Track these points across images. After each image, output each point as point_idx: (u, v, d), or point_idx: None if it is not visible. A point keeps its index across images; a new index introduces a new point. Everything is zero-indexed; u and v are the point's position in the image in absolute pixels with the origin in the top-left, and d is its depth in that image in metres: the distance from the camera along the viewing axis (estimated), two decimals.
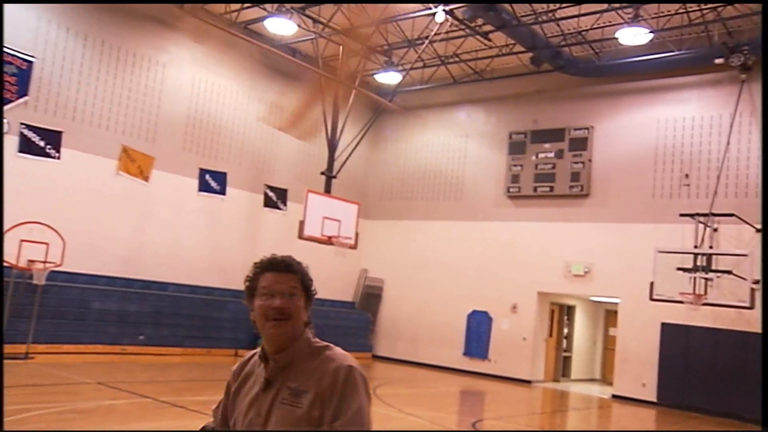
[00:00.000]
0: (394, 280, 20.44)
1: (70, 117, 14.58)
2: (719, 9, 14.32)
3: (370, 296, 20.71)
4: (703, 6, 14.40)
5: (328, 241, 15.02)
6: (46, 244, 12.55)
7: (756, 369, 12.48)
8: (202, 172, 16.97)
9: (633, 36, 15.21)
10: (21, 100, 13.72)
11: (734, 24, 14.98)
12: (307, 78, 17.60)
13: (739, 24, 14.93)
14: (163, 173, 16.02)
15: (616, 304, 16.86)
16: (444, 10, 14.92)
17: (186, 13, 15.35)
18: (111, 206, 15.11)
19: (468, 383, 16.86)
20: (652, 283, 14.09)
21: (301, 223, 14.58)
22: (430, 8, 15.19)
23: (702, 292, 13.88)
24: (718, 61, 14.84)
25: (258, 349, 2.36)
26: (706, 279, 13.90)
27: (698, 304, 13.65)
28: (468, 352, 18.57)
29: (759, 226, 13.91)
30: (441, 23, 15.34)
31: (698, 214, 14.83)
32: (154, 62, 16.15)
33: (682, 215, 15.03)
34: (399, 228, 20.63)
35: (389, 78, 18.90)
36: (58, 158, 14.26)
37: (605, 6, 14.74)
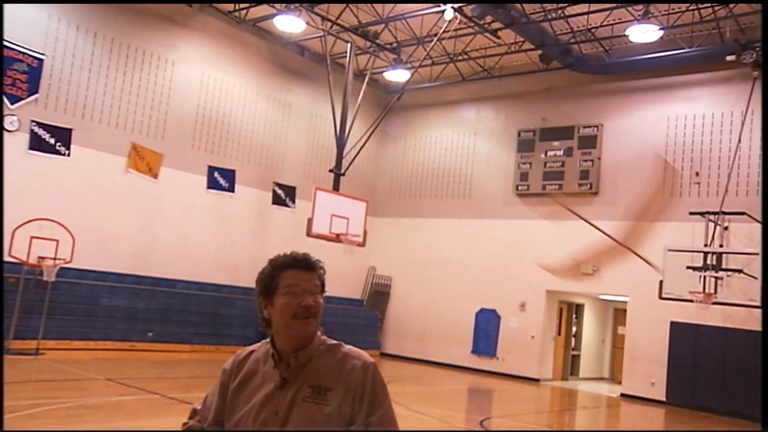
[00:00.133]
0: (403, 278, 20.43)
1: (80, 114, 14.65)
2: (731, 5, 14.21)
3: (379, 294, 20.71)
4: (714, 3, 14.29)
5: (337, 238, 15.01)
6: (56, 240, 12.62)
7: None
8: (211, 169, 17.01)
9: (643, 33, 15.11)
10: (31, 98, 13.79)
11: (746, 20, 14.85)
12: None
13: (751, 20, 14.79)
14: (172, 170, 16.07)
15: (625, 302, 16.78)
16: (453, 8, 14.89)
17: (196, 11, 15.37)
18: (120, 203, 15.17)
19: (476, 381, 16.84)
20: (661, 282, 14.01)
21: (310, 221, 14.58)
22: (439, 6, 15.16)
23: (712, 291, 13.79)
24: (729, 58, 14.70)
25: (255, 347, 2.36)
26: (716, 278, 13.81)
27: (708, 303, 13.56)
28: (476, 350, 18.54)
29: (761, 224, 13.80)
30: (450, 21, 15.30)
31: (708, 213, 14.73)
32: (163, 60, 16.19)
33: (692, 213, 14.94)
34: (407, 226, 20.61)
35: (398, 75, 18.87)
36: (68, 155, 14.33)
37: (615, 3, 14.66)
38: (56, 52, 14.27)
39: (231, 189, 17.35)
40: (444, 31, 15.93)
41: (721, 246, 14.50)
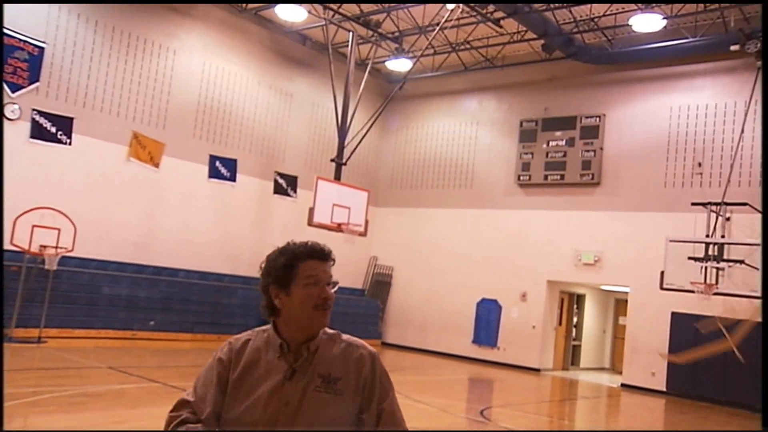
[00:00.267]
0: (404, 268, 20.44)
1: (81, 103, 14.62)
2: None
3: (380, 284, 20.74)
4: None
5: (338, 228, 15.01)
6: (58, 229, 12.63)
7: None
8: (213, 158, 16.99)
9: (646, 22, 15.02)
10: (32, 86, 13.77)
11: (751, 9, 14.74)
12: None
13: (756, 9, 14.67)
14: (173, 159, 16.06)
15: (626, 293, 16.79)
16: None
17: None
18: (122, 192, 15.17)
19: (477, 371, 16.88)
20: (662, 272, 14.00)
21: (311, 210, 14.57)
22: None
23: (713, 282, 13.78)
24: (733, 47, 14.61)
25: (248, 336, 2.31)
26: (717, 268, 13.79)
27: (709, 294, 13.55)
28: (477, 340, 18.57)
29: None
30: (452, 10, 15.23)
31: (711, 203, 14.70)
32: (164, 48, 16.14)
33: (694, 204, 14.91)
34: (409, 215, 20.61)
35: (400, 65, 18.80)
36: (70, 144, 14.32)
37: None
38: (57, 41, 14.23)
39: (232, 178, 17.34)
40: (446, 21, 15.86)
41: (722, 237, 14.47)
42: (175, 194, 16.22)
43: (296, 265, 2.22)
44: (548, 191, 17.92)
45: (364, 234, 15.75)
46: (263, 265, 2.29)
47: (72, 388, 8.94)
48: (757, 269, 12.91)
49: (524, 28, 16.73)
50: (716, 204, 14.64)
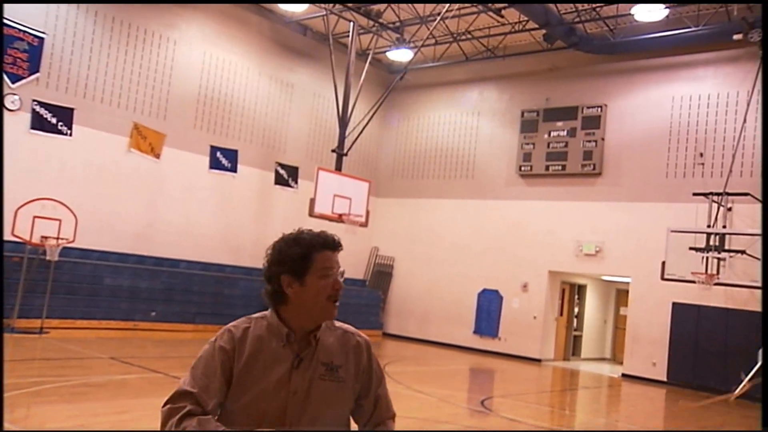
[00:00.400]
0: (405, 258, 20.45)
1: (81, 94, 14.59)
2: None
3: (381, 274, 20.76)
4: None
5: (339, 218, 15.01)
6: (59, 220, 12.63)
7: None
8: (213, 149, 16.97)
9: (648, 12, 14.95)
10: (32, 77, 13.74)
11: None
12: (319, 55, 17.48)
13: None
14: (174, 150, 16.04)
15: (628, 283, 16.80)
16: None
17: None
18: (123, 183, 15.17)
19: (478, 361, 16.91)
20: (663, 263, 14.01)
21: (312, 201, 14.57)
22: None
23: (714, 272, 13.79)
24: (736, 36, 14.54)
25: (246, 324, 2.25)
26: (718, 259, 13.80)
27: (710, 284, 13.56)
28: (478, 331, 18.60)
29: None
30: None
31: (712, 193, 14.68)
32: (164, 39, 16.09)
33: (695, 194, 14.89)
34: (410, 206, 20.60)
35: (401, 55, 18.74)
36: (70, 135, 14.31)
37: None
38: (57, 31, 14.18)
39: (233, 169, 17.32)
40: (447, 10, 15.79)
41: (724, 227, 14.46)
42: (176, 185, 16.21)
43: (312, 255, 2.21)
44: (549, 182, 17.90)
45: (365, 225, 15.75)
46: (271, 253, 2.25)
47: (74, 379, 8.96)
48: (759, 259, 12.91)
49: (525, 18, 16.65)
50: (718, 194, 14.63)
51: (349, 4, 16.61)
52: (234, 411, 2.15)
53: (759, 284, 12.81)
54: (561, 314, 18.80)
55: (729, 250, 13.70)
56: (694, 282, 13.69)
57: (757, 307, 13.92)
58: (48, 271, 12.70)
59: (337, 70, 16.78)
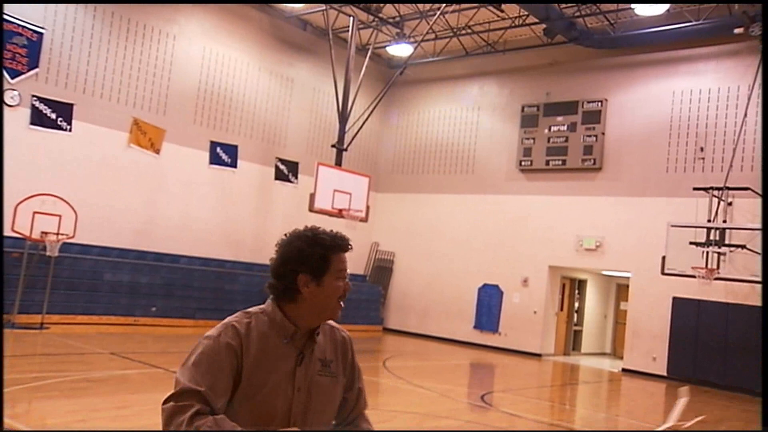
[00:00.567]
0: (406, 254, 20.45)
1: (81, 89, 14.57)
2: None
3: (382, 269, 20.76)
4: None
5: (339, 214, 15.01)
6: (59, 216, 12.63)
7: None
8: (213, 144, 16.95)
9: (649, 6, 14.91)
10: (31, 72, 13.71)
11: None
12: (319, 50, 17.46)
13: None
14: (174, 146, 16.03)
15: (628, 278, 16.80)
16: None
17: None
18: (122, 179, 15.16)
19: (478, 356, 16.93)
20: (664, 258, 14.00)
21: (312, 196, 14.57)
22: None
23: (715, 267, 13.79)
24: (737, 30, 14.49)
25: (246, 320, 2.20)
26: (719, 253, 13.79)
27: (711, 279, 13.56)
28: (478, 326, 18.62)
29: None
30: None
31: (713, 188, 14.66)
32: (164, 34, 16.06)
33: (696, 189, 14.87)
34: (410, 201, 20.59)
35: (401, 50, 18.71)
36: (70, 131, 14.29)
37: None
38: (56, 26, 14.15)
39: (233, 164, 17.31)
40: (447, 5, 15.74)
41: (724, 221, 14.45)
42: (176, 180, 16.20)
43: (331, 257, 2.23)
44: (550, 176, 17.89)
45: (365, 220, 15.75)
46: (288, 250, 2.22)
47: (74, 374, 8.98)
48: (759, 254, 12.90)
49: (526, 13, 16.62)
50: (718, 189, 14.61)
51: None
52: (240, 410, 2.09)
53: (759, 279, 12.81)
54: (561, 309, 18.81)
55: (729, 245, 13.69)
56: (694, 277, 13.69)
57: (758, 301, 13.92)
58: (48, 266, 12.71)
59: (337, 65, 16.74)
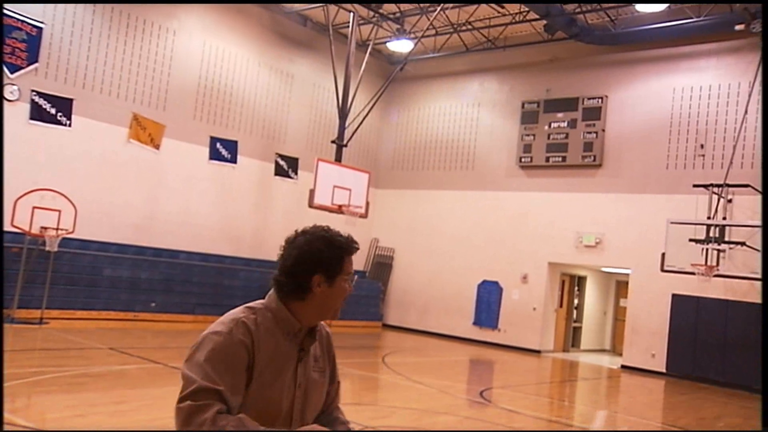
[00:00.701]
0: (405, 250, 20.45)
1: (80, 84, 14.55)
2: None
3: (381, 265, 20.77)
4: None
5: (339, 210, 15.01)
6: (58, 211, 12.63)
7: None
8: (213, 140, 16.94)
9: (650, 3, 14.86)
10: (31, 67, 13.69)
11: None
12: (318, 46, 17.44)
13: None
14: (173, 141, 16.02)
15: (627, 275, 16.80)
16: None
17: None
18: (122, 174, 15.15)
19: (477, 353, 16.94)
20: (663, 254, 14.00)
21: (312, 192, 14.56)
22: None
23: (714, 264, 13.79)
24: (738, 27, 14.48)
25: (252, 316, 2.16)
26: (718, 250, 13.79)
27: (710, 276, 13.56)
28: (478, 322, 18.63)
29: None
30: None
31: (713, 185, 14.65)
32: (164, 29, 16.03)
33: (695, 186, 14.86)
34: (410, 197, 20.58)
35: (401, 46, 18.68)
36: (70, 126, 14.28)
37: None
38: (55, 21, 14.13)
39: (233, 160, 17.30)
40: (448, 1, 15.70)
41: (724, 218, 14.44)
42: (175, 176, 16.19)
43: (344, 259, 2.24)
44: (550, 173, 17.88)
45: (365, 216, 15.74)
46: (307, 249, 2.19)
47: (73, 369, 8.98)
48: (758, 251, 12.90)
49: (526, 9, 16.58)
50: (718, 186, 14.60)
51: None
52: (247, 407, 2.05)
53: (759, 276, 12.80)
54: (561, 306, 18.81)
55: (729, 242, 13.69)
56: (693, 273, 13.69)
57: (757, 298, 13.93)
58: (47, 261, 12.71)
59: (337, 60, 16.72)
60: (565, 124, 17.60)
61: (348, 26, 17.08)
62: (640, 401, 12.62)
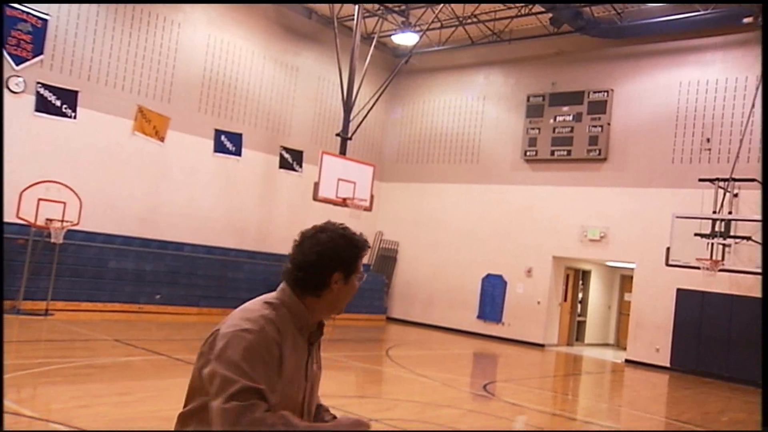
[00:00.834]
0: (410, 243, 20.45)
1: (85, 76, 14.56)
2: None
3: (386, 258, 20.77)
4: None
5: (343, 203, 15.01)
6: (63, 203, 12.66)
7: None
8: (218, 133, 16.95)
9: None
10: (36, 59, 13.71)
11: None
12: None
13: None
14: (178, 134, 16.02)
15: (632, 269, 16.77)
16: None
17: None
18: (127, 166, 15.17)
19: (481, 346, 16.96)
20: (668, 249, 13.96)
21: (316, 185, 14.56)
22: None
23: (719, 258, 13.74)
24: (746, 20, 14.36)
25: (272, 310, 2.14)
26: (723, 245, 13.74)
27: (715, 270, 13.52)
28: (482, 316, 18.63)
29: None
30: None
31: (718, 179, 14.59)
32: (169, 21, 16.02)
33: (701, 180, 14.80)
34: (415, 190, 20.57)
35: (406, 39, 18.62)
36: (75, 118, 14.30)
37: None
38: (60, 12, 14.13)
39: (238, 153, 17.31)
40: None
41: (730, 213, 14.39)
42: (180, 168, 16.21)
43: (359, 258, 2.27)
44: (555, 167, 17.83)
45: (369, 209, 15.74)
46: (331, 247, 2.19)
47: (78, 360, 9.03)
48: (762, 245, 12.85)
49: (532, 2, 16.50)
50: (724, 180, 14.53)
51: None
52: (279, 400, 2.06)
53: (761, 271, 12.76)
54: (565, 300, 18.80)
55: (734, 237, 13.64)
56: (698, 268, 13.65)
57: (762, 293, 13.87)
58: (53, 253, 12.76)
59: (342, 53, 16.68)
60: (571, 117, 17.54)
61: (353, 19, 17.03)
62: (644, 395, 12.62)
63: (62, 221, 12.64)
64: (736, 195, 14.62)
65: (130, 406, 6.95)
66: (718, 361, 14.56)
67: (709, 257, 13.68)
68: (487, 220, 18.81)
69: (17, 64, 13.42)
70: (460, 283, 18.99)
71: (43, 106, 13.81)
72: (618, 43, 17.09)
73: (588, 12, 16.53)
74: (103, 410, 6.58)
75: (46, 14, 13.79)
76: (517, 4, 17.08)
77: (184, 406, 2.18)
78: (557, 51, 18.09)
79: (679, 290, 15.32)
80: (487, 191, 19.02)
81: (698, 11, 15.13)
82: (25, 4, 13.40)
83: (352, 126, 16.71)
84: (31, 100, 13.66)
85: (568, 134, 17.54)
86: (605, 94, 17.12)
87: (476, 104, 19.82)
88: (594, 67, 17.57)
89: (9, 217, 12.19)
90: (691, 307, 15.14)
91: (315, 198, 14.65)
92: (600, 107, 17.12)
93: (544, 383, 12.99)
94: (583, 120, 17.32)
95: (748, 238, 13.28)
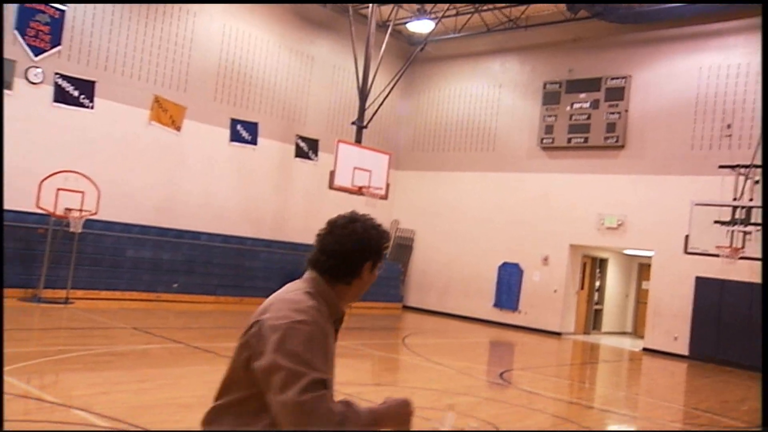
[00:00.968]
0: (426, 231, 20.43)
1: (102, 67, 14.64)
2: None
3: (402, 247, 20.77)
4: None
5: (359, 191, 15.01)
6: (82, 192, 12.77)
7: None
8: (234, 122, 16.99)
9: None
10: (54, 50, 13.79)
11: None
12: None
13: None
14: (194, 123, 16.08)
15: (650, 257, 16.63)
16: None
17: None
18: (144, 156, 15.27)
19: (498, 334, 16.93)
20: (687, 236, 13.82)
21: (332, 174, 14.57)
22: None
23: (739, 246, 13.59)
24: None
25: (314, 300, 2.15)
26: (744, 232, 13.58)
27: (735, 258, 13.37)
28: (498, 304, 18.59)
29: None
30: None
31: (739, 166, 14.40)
32: (184, 11, 16.04)
33: (721, 167, 14.62)
34: (430, 179, 20.51)
35: (421, 26, 18.51)
36: (92, 108, 14.39)
37: None
38: (77, 4, 14.18)
39: (254, 142, 17.34)
40: None
41: (750, 200, 14.20)
42: (196, 158, 16.28)
43: (386, 248, 2.34)
44: (572, 154, 17.69)
45: (385, 197, 15.73)
46: (366, 237, 2.23)
47: (97, 348, 9.13)
48: None
49: None
50: (745, 167, 14.34)
51: None
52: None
53: None
54: (582, 288, 18.70)
55: (755, 224, 13.47)
56: (717, 256, 13.51)
57: None
58: (72, 242, 12.89)
59: (357, 42, 16.62)
60: (588, 104, 17.37)
61: (368, 7, 16.95)
62: (662, 384, 12.55)
63: (81, 210, 12.75)
64: (757, 182, 14.41)
65: (149, 393, 7.03)
66: (738, 350, 14.42)
67: (728, 245, 13.52)
68: (504, 209, 18.73)
69: (36, 55, 13.52)
70: (476, 272, 18.96)
71: (61, 96, 13.91)
72: (636, 28, 16.87)
73: None
74: (122, 397, 6.66)
75: (64, 5, 13.86)
76: None
77: (217, 399, 2.15)
78: (574, 37, 17.90)
79: (698, 278, 15.18)
80: (504, 179, 18.92)
81: None
82: None
83: (367, 114, 16.67)
84: (50, 90, 13.76)
85: (585, 121, 17.38)
86: (623, 80, 16.92)
87: (492, 92, 19.68)
88: (611, 53, 17.37)
89: (29, 206, 12.35)
90: (710, 295, 15.00)
91: (331, 186, 14.66)
92: (617, 94, 16.93)
93: (560, 371, 12.95)
94: (600, 107, 17.15)
95: None
